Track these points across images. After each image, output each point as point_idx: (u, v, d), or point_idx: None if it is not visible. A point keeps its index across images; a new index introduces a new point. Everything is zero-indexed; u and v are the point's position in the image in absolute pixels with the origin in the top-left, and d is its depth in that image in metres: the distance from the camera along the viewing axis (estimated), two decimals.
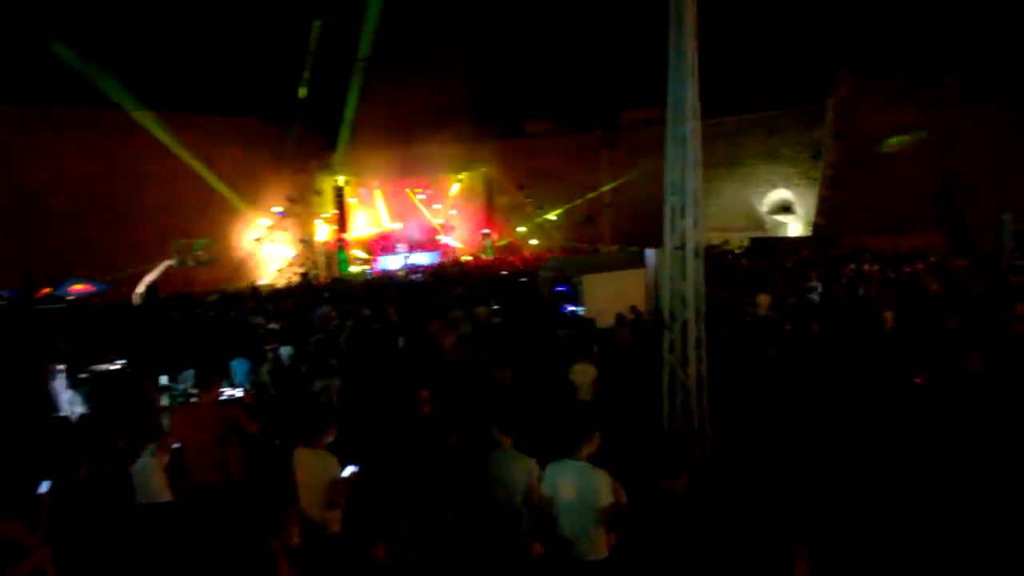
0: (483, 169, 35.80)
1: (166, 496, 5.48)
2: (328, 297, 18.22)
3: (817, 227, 27.64)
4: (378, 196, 34.05)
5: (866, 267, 16.77)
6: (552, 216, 35.28)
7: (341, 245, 31.78)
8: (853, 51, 27.42)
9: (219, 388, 5.76)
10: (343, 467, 4.80)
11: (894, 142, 26.08)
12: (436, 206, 35.52)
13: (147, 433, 5.65)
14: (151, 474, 5.47)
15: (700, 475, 5.09)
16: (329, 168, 31.96)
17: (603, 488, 4.35)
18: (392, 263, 31.27)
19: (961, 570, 4.84)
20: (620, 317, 11.54)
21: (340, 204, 32.12)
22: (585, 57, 30.76)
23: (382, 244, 33.24)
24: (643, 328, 10.91)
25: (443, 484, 5.45)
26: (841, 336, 8.99)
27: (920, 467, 5.80)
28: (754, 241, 26.83)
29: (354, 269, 31.10)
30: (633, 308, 12.10)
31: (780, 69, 29.35)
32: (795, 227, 29.93)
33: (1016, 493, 5.28)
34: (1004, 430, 5.83)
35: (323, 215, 32.10)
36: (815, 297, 13.44)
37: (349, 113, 29.73)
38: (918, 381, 6.96)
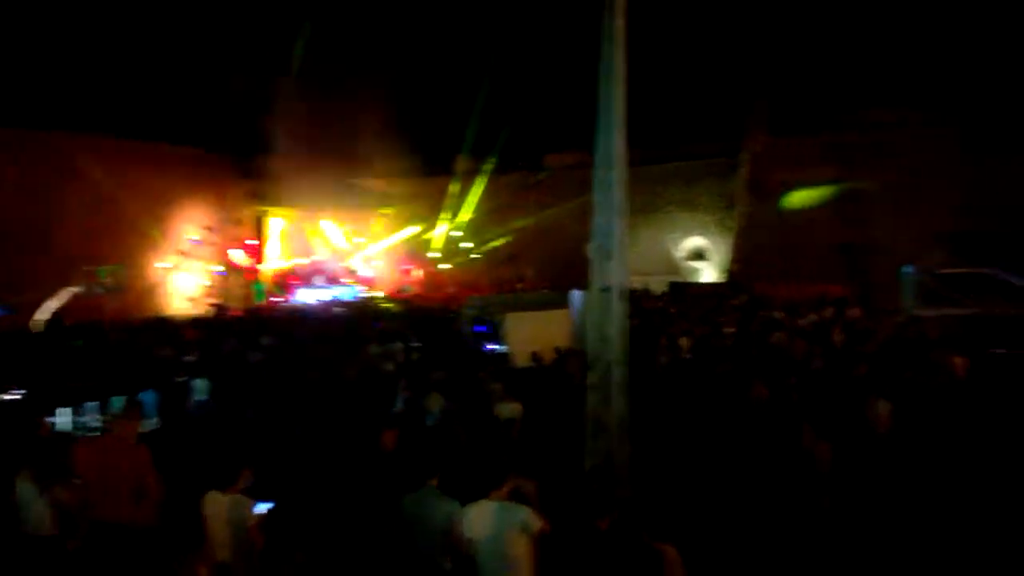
0: (409, 204, 35.75)
1: (48, 530, 5.15)
2: (241, 329, 17.70)
3: (731, 274, 28.76)
4: (299, 227, 33.43)
5: (775, 314, 17.48)
6: (476, 255, 35.43)
7: (258, 276, 30.97)
8: (767, 107, 28.97)
9: (137, 421, 5.46)
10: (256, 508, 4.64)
11: (802, 196, 27.54)
12: (359, 240, 35.13)
13: (42, 464, 5.30)
14: (32, 503, 5.15)
15: (622, 515, 5.15)
16: (250, 196, 31.24)
17: (525, 525, 4.35)
18: (309, 296, 30.62)
19: None
20: (535, 357, 11.64)
21: (259, 233, 31.35)
22: (511, 96, 31.33)
23: (300, 276, 32.56)
24: (563, 368, 11.00)
25: (358, 525, 5.33)
26: (752, 379, 9.28)
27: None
28: (672, 285, 27.63)
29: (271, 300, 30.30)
30: (556, 349, 12.21)
31: (699, 121, 30.64)
32: (709, 273, 30.98)
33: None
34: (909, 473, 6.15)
35: (241, 244, 31.24)
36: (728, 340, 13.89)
37: (274, 141, 29.28)
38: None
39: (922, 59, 25.06)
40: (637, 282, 27.32)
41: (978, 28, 23.67)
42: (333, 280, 32.59)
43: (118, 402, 8.32)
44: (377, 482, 5.73)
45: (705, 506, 6.07)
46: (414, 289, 34.24)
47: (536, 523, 4.39)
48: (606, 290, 6.14)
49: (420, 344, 14.41)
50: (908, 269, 18.75)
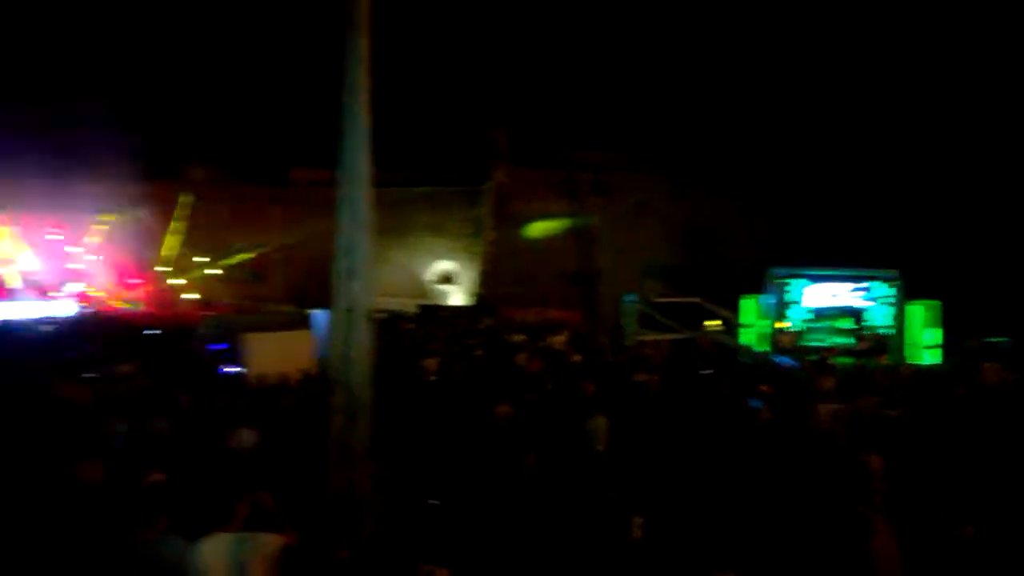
0: (135, 212, 32.31)
1: None
2: None
3: (477, 297, 29.94)
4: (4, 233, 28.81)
5: (517, 336, 18.33)
6: (216, 270, 33.05)
7: None
8: (507, 138, 30.88)
9: None
10: None
11: (540, 226, 29.64)
12: (75, 248, 31.07)
13: None
14: None
15: (365, 545, 4.99)
16: None
17: (265, 552, 4.07)
18: (14, 311, 26.15)
19: None
20: (280, 379, 11.12)
21: None
22: (257, 107, 29.98)
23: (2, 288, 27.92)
24: (310, 392, 10.60)
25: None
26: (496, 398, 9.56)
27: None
28: (423, 308, 28.04)
29: None
30: (303, 372, 11.74)
31: (449, 149, 31.69)
32: (458, 297, 31.87)
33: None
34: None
35: None
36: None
37: None
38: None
39: (643, 110, 28.36)
40: (386, 304, 27.33)
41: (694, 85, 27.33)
42: (43, 292, 28.31)
43: None
44: (86, 524, 5.02)
45: (464, 525, 6.03)
46: (142, 305, 30.86)
47: (277, 546, 4.12)
48: (350, 310, 6.00)
49: (145, 366, 12.98)
50: (629, 297, 20.77)
